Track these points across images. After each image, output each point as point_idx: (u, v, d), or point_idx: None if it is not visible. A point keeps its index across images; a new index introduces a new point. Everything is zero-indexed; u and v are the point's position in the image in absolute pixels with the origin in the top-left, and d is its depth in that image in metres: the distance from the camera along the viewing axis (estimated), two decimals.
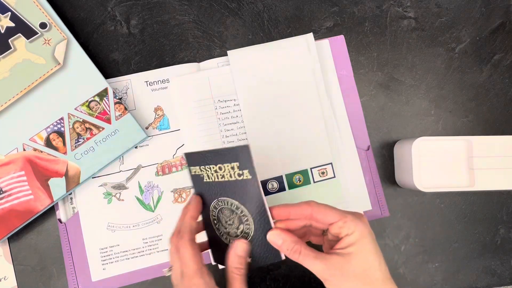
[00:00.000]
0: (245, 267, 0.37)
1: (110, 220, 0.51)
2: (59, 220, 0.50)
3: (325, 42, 0.55)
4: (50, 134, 0.48)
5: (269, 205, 0.36)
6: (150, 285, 0.51)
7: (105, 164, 0.49)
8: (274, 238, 0.36)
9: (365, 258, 0.34)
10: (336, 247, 0.35)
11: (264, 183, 0.52)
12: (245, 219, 0.37)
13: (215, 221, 0.40)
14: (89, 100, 0.49)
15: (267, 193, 0.52)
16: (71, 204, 0.51)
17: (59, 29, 0.49)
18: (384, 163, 0.55)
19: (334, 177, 0.52)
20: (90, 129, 0.49)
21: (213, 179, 0.38)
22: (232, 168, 0.36)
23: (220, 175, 0.37)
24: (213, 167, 0.37)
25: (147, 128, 0.52)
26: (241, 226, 0.38)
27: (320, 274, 0.34)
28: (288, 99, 0.53)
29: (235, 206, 0.37)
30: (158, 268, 0.50)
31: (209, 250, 0.42)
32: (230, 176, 0.36)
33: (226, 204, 0.38)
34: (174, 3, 0.55)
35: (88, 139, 0.49)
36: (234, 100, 0.53)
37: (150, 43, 0.54)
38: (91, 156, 0.49)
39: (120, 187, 0.51)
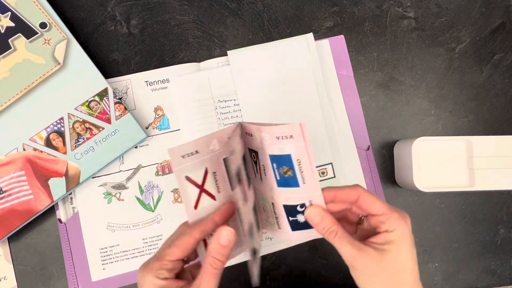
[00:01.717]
0: (225, 261, 0.33)
1: (110, 220, 0.51)
2: (59, 220, 0.50)
3: (325, 42, 0.55)
4: (50, 134, 0.48)
5: None
6: None
7: (105, 164, 0.49)
8: (313, 215, 0.34)
9: (401, 259, 0.33)
10: (371, 240, 0.34)
11: None
12: None
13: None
14: (89, 100, 0.49)
15: None
16: (71, 204, 0.51)
17: (59, 29, 0.49)
18: (384, 163, 0.55)
19: (334, 177, 0.52)
20: (90, 129, 0.49)
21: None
22: None
23: None
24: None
25: (147, 128, 0.52)
26: None
27: (350, 261, 0.33)
28: (288, 99, 0.53)
29: None
30: None
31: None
32: None
33: None
34: (174, 3, 0.55)
35: (88, 139, 0.49)
36: (234, 100, 0.53)
37: (150, 43, 0.54)
38: (91, 156, 0.49)
39: (120, 187, 0.51)
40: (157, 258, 0.33)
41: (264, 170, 0.36)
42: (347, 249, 0.33)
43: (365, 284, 0.33)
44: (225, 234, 0.33)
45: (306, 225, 0.36)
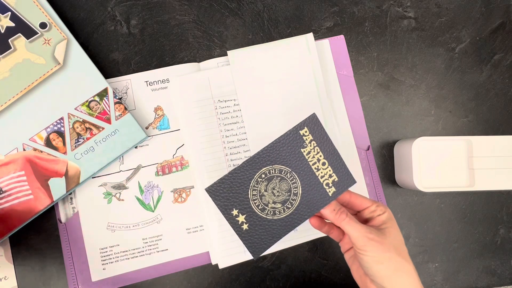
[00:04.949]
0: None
1: (110, 220, 0.51)
2: (59, 220, 0.50)
3: (325, 42, 0.55)
4: (50, 134, 0.48)
5: None
6: (150, 285, 0.51)
7: (105, 164, 0.49)
8: None
9: (396, 234, 0.39)
10: (369, 224, 0.40)
11: None
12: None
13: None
14: (89, 100, 0.49)
15: None
16: (71, 204, 0.51)
17: (59, 29, 0.49)
18: (384, 163, 0.55)
19: None
20: (90, 129, 0.49)
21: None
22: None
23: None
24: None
25: (147, 128, 0.52)
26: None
27: (360, 238, 0.37)
28: (288, 99, 0.53)
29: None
30: (158, 268, 0.50)
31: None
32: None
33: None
34: (174, 3, 0.55)
35: (88, 139, 0.49)
36: (234, 100, 0.53)
37: (150, 43, 0.54)
38: (91, 156, 0.49)
39: (120, 187, 0.51)
40: None
41: None
42: (357, 228, 0.38)
43: (374, 263, 0.37)
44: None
45: None
